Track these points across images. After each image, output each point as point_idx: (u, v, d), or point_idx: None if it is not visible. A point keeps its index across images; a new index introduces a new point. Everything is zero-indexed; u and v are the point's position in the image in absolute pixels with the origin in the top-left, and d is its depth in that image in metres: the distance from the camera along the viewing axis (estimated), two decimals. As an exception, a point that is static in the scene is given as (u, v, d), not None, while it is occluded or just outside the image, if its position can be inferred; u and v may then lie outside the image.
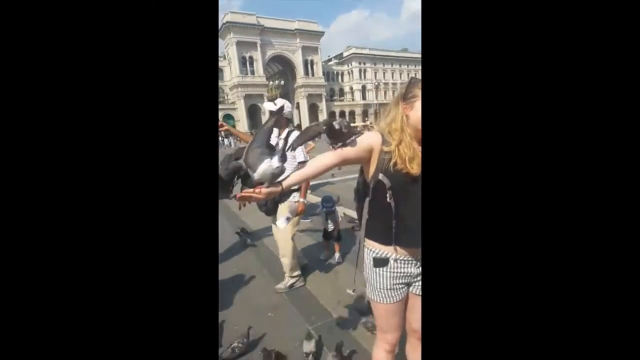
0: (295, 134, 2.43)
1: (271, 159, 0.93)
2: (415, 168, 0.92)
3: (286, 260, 2.45)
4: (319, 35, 44.13)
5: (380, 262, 1.04)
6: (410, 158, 0.92)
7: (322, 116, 43.41)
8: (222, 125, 2.36)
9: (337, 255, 2.92)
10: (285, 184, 0.94)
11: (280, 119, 2.36)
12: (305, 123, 34.19)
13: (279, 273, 2.66)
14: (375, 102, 45.99)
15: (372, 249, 1.06)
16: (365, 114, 45.69)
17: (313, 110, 43.75)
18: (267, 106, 2.35)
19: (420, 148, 0.95)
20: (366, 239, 1.07)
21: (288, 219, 2.41)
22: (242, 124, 34.42)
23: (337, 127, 0.93)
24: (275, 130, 2.44)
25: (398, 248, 1.01)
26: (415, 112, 0.92)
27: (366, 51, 47.03)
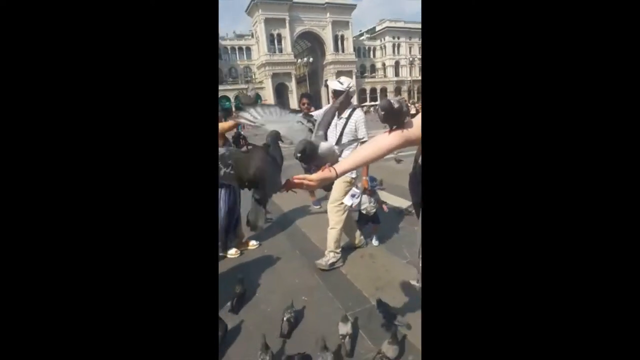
0: (359, 112, 2.30)
1: (328, 140, 0.94)
2: None
3: (334, 232, 2.37)
4: (350, 8, 42.29)
5: None
6: None
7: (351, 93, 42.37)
8: None
9: (374, 238, 2.76)
10: (339, 169, 0.89)
11: (346, 100, 2.28)
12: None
13: (311, 255, 2.57)
14: (409, 78, 43.84)
15: None
16: (398, 91, 43.80)
17: (343, 88, 42.64)
18: (334, 85, 2.25)
19: None
20: None
21: (354, 195, 2.37)
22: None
23: (396, 105, 0.85)
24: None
25: None
26: None
27: (401, 24, 44.46)
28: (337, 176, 0.90)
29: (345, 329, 1.64)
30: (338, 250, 2.41)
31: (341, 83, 2.22)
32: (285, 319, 1.76)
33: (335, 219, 2.39)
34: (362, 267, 2.47)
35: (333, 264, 2.39)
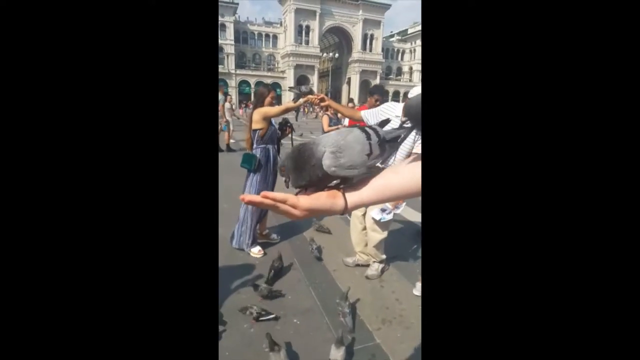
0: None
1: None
2: None
3: (380, 246, 2.29)
4: (384, 8, 41.45)
5: None
6: None
7: (374, 95, 41.65)
8: (322, 99, 2.03)
9: None
10: (352, 200, 0.56)
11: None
12: (356, 100, 32.98)
13: (309, 269, 2.24)
14: (435, 85, 42.90)
15: None
16: (421, 98, 42.94)
17: (364, 87, 42.14)
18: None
19: None
20: None
21: (384, 210, 2.12)
22: (290, 94, 34.27)
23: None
24: (398, 107, 2.03)
25: None
26: None
27: (434, 29, 43.48)
28: (347, 210, 0.56)
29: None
30: (380, 259, 2.32)
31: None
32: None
33: (376, 237, 2.22)
34: (368, 293, 2.12)
35: (383, 269, 2.34)
